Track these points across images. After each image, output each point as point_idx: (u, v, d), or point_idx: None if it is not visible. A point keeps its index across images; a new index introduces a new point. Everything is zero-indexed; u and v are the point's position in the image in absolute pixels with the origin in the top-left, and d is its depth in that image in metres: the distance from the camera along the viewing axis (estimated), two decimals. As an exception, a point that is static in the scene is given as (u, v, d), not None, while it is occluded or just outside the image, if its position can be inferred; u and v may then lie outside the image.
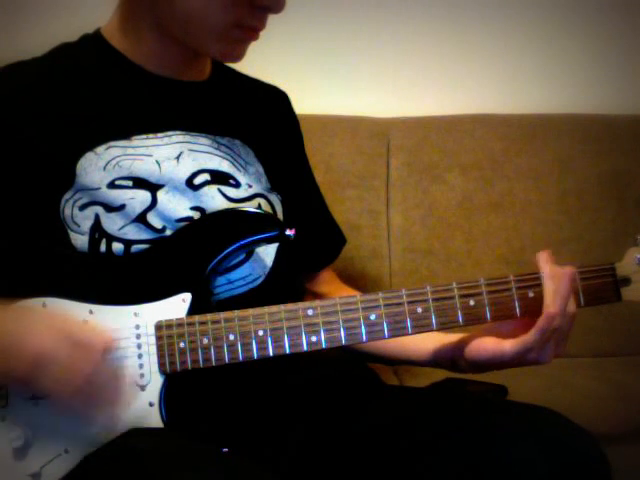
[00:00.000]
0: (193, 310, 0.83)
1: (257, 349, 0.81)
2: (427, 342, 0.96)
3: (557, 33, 1.71)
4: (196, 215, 0.90)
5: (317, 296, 1.10)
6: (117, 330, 0.81)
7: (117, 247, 0.87)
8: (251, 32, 0.90)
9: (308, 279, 1.12)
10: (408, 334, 0.84)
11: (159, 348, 0.81)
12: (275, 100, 1.11)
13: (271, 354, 0.82)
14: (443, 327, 0.84)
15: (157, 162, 0.91)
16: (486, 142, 1.57)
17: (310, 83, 1.64)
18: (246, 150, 0.99)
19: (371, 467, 0.79)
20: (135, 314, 0.82)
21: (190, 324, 0.82)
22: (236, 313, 0.82)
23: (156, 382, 0.81)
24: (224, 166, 0.95)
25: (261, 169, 1.00)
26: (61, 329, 0.76)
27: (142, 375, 0.81)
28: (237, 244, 0.85)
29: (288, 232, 0.86)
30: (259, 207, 0.95)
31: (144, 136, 0.91)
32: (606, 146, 1.58)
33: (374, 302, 0.83)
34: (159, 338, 0.82)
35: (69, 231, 0.87)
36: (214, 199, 0.92)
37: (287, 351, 0.82)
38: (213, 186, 0.93)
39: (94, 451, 0.76)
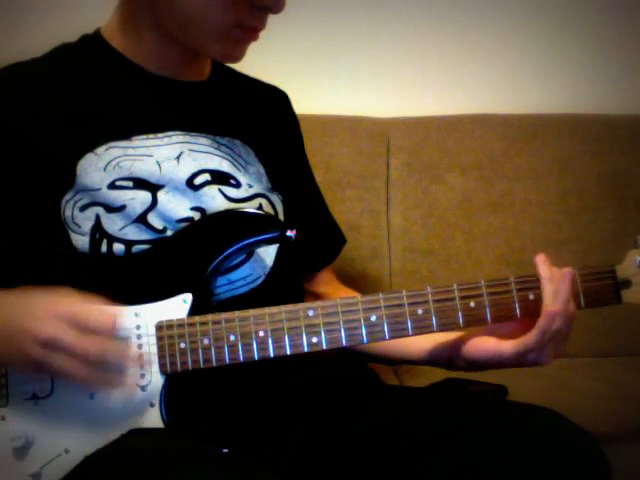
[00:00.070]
0: (194, 310, 0.83)
1: (258, 350, 0.81)
2: (425, 340, 0.96)
3: (557, 33, 1.71)
4: (196, 215, 0.90)
5: (316, 296, 1.10)
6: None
7: (118, 248, 0.87)
8: (251, 32, 0.90)
9: (307, 279, 1.11)
10: (408, 335, 0.84)
11: (160, 348, 0.81)
12: (275, 100, 1.11)
13: (272, 355, 0.82)
14: (444, 328, 0.85)
15: (157, 162, 0.91)
16: (486, 142, 1.56)
17: (310, 83, 1.64)
18: (246, 150, 0.99)
19: (371, 467, 0.79)
20: (136, 314, 0.82)
21: (191, 324, 0.82)
22: (237, 314, 0.82)
23: (157, 382, 0.81)
24: (224, 166, 0.95)
25: (262, 169, 1.00)
26: (66, 312, 0.75)
27: (143, 375, 0.81)
28: (238, 245, 0.85)
29: (289, 233, 0.86)
30: (260, 207, 0.95)
31: (144, 136, 0.91)
32: (606, 146, 1.58)
33: (375, 303, 0.83)
34: (160, 338, 0.82)
35: (70, 232, 0.87)
36: (214, 199, 0.92)
37: (288, 352, 0.82)
38: (213, 186, 0.93)
39: (94, 451, 0.76)
